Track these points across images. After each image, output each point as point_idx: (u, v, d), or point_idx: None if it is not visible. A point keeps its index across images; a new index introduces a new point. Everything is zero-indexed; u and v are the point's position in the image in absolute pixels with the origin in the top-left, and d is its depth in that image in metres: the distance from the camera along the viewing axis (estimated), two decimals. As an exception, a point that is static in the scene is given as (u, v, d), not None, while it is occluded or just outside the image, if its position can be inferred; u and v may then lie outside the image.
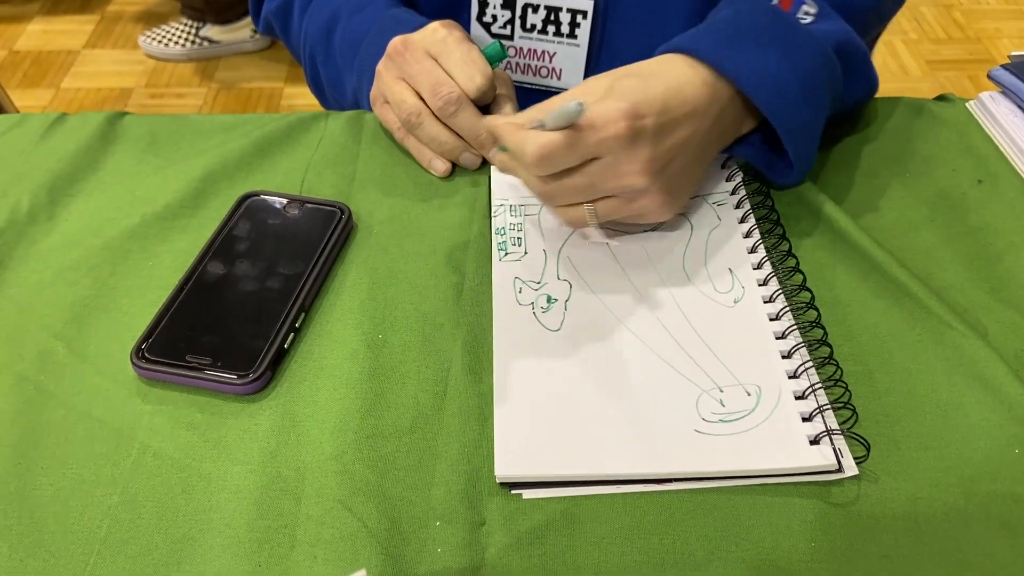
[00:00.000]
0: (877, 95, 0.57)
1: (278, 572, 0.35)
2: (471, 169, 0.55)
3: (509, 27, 0.64)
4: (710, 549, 0.35)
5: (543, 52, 0.65)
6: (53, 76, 1.98)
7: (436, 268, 0.48)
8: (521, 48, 0.65)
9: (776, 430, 0.39)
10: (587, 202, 0.46)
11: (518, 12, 0.63)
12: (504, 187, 0.53)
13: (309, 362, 0.43)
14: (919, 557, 0.35)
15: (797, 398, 0.40)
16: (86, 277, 0.47)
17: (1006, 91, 0.59)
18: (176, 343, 0.42)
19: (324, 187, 0.54)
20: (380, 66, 0.55)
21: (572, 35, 0.63)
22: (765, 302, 0.45)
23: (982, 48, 2.07)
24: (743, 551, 0.35)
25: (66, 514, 0.37)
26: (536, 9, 0.62)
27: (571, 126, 0.41)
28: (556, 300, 0.46)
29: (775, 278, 0.46)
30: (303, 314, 0.45)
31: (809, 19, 0.49)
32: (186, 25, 2.03)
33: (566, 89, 0.67)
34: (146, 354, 0.42)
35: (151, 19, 2.16)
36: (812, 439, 0.38)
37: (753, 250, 0.48)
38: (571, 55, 0.65)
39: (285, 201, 0.51)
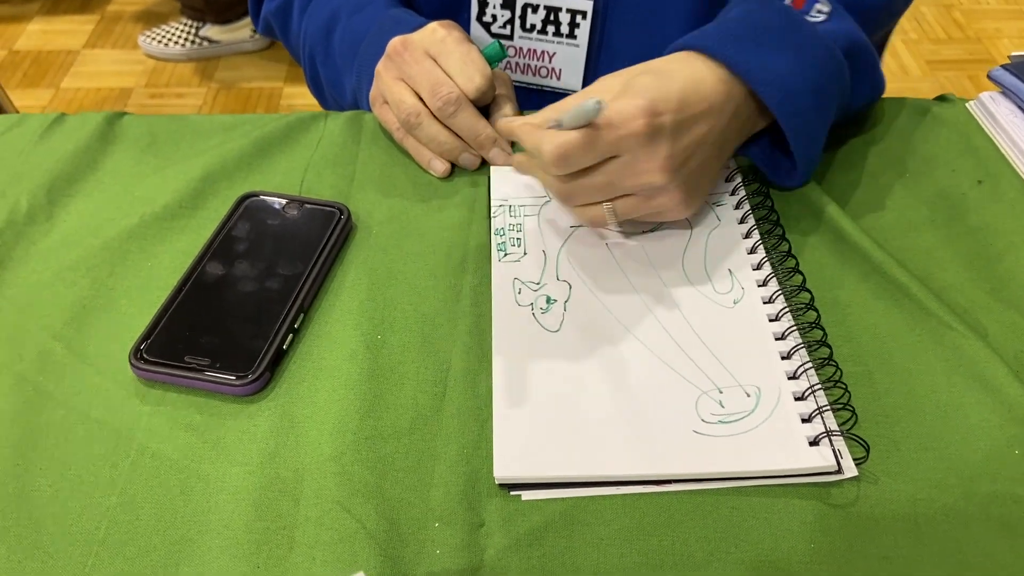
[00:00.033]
0: (877, 95, 0.57)
1: (276, 573, 0.35)
2: (470, 169, 0.55)
3: (509, 27, 0.64)
4: (709, 550, 0.35)
5: (543, 52, 0.65)
6: (53, 76, 1.98)
7: (435, 269, 0.48)
8: (521, 48, 0.65)
9: (775, 431, 0.39)
10: (605, 201, 0.46)
11: (518, 12, 0.63)
12: (503, 188, 0.53)
13: (308, 363, 0.43)
14: (919, 558, 0.35)
15: (796, 399, 0.40)
16: (85, 278, 0.47)
17: (1006, 91, 0.59)
18: (175, 344, 0.42)
19: (323, 187, 0.54)
20: (379, 66, 0.55)
21: (572, 35, 0.63)
22: (765, 303, 0.45)
23: (982, 48, 2.07)
24: (742, 552, 0.35)
25: (65, 515, 0.37)
26: (536, 9, 0.62)
27: (589, 125, 0.41)
28: (555, 301, 0.45)
29: (775, 279, 0.46)
30: (302, 315, 0.45)
31: (822, 17, 0.49)
32: (186, 25, 2.03)
33: (565, 89, 0.67)
34: (145, 355, 0.42)
35: (151, 19, 2.16)
36: (811, 440, 0.38)
37: (753, 251, 0.48)
38: (571, 55, 0.64)
39: (284, 201, 0.51)
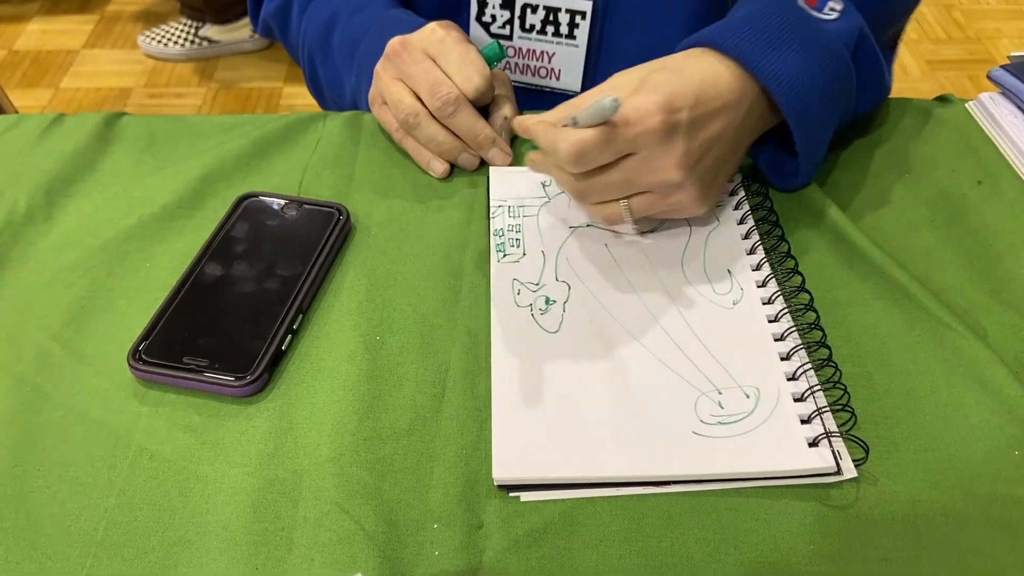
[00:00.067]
0: (877, 96, 0.57)
1: (275, 575, 0.35)
2: (469, 170, 0.55)
3: (508, 27, 0.64)
4: (709, 552, 0.35)
5: (542, 52, 0.65)
6: (52, 76, 1.98)
7: (434, 269, 0.48)
8: (520, 48, 0.65)
9: (775, 432, 0.39)
10: (621, 198, 0.45)
11: (517, 12, 0.63)
12: (502, 189, 0.53)
13: (307, 364, 0.43)
14: (918, 559, 0.35)
15: (796, 400, 0.40)
16: (83, 278, 0.47)
17: (1006, 92, 0.59)
18: (173, 345, 0.42)
19: (322, 188, 0.54)
20: (378, 67, 0.55)
21: (571, 35, 0.63)
22: (764, 303, 0.45)
23: (982, 48, 2.07)
24: (742, 553, 0.35)
25: (63, 516, 0.37)
26: (535, 9, 0.62)
27: (605, 122, 0.41)
28: (555, 302, 0.45)
29: (774, 279, 0.46)
30: (301, 316, 0.45)
31: (834, 15, 0.49)
32: (185, 25, 2.03)
33: (564, 90, 0.67)
34: (143, 356, 0.42)
35: (150, 19, 2.16)
36: (811, 441, 0.38)
37: (752, 251, 0.48)
38: (570, 55, 0.64)
39: (283, 202, 0.51)
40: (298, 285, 0.45)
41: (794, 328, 0.43)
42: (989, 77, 0.60)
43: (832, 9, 0.49)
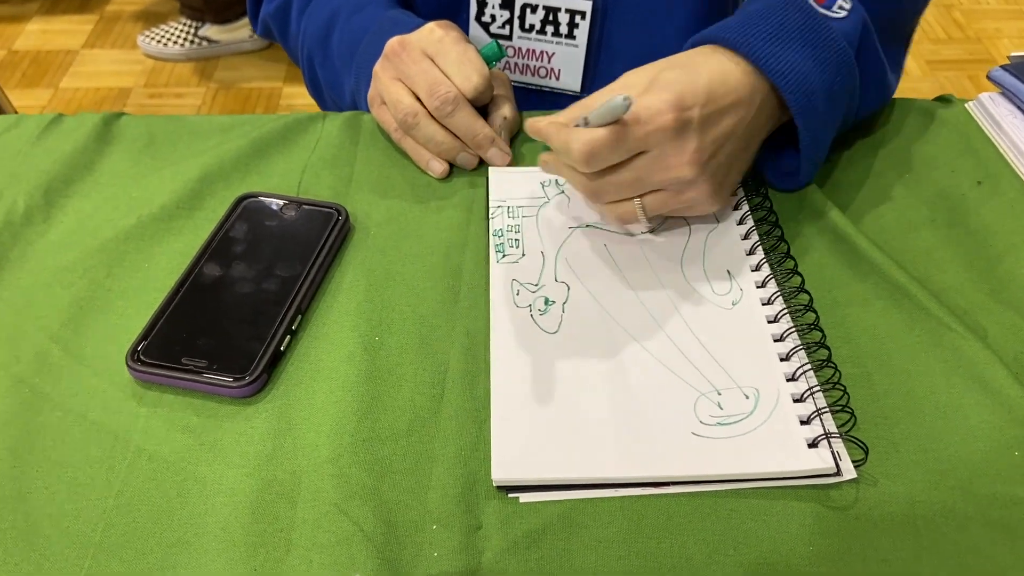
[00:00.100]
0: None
1: (274, 576, 0.35)
2: (468, 169, 0.55)
3: (508, 27, 0.64)
4: (708, 553, 0.35)
5: (542, 52, 0.65)
6: (52, 76, 1.98)
7: (433, 270, 0.48)
8: (520, 48, 0.65)
9: (774, 433, 0.39)
10: (635, 197, 0.45)
11: (516, 12, 0.63)
12: (502, 189, 0.53)
13: (305, 365, 0.43)
14: (918, 560, 0.35)
15: (795, 401, 0.40)
16: (82, 279, 0.47)
17: (1006, 92, 0.59)
18: (172, 345, 0.42)
19: (321, 188, 0.54)
20: (377, 67, 0.55)
21: (571, 35, 0.63)
22: (763, 304, 0.45)
23: (982, 48, 2.07)
24: (741, 555, 0.35)
25: (61, 517, 0.37)
26: (535, 9, 0.62)
27: (616, 121, 0.41)
28: (554, 302, 0.45)
29: (773, 280, 0.46)
30: (299, 316, 0.45)
31: (843, 13, 0.49)
32: (185, 25, 2.03)
33: (564, 90, 0.67)
34: (142, 356, 0.42)
35: (150, 19, 2.16)
36: (810, 442, 0.38)
37: (751, 251, 0.48)
38: (570, 55, 0.64)
39: (282, 202, 0.51)
40: (297, 285, 0.45)
41: (794, 329, 0.43)
42: (989, 77, 0.60)
43: (841, 7, 0.49)
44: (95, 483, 0.38)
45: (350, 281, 0.47)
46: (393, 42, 0.54)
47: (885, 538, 0.36)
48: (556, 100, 0.68)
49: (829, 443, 0.38)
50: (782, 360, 0.42)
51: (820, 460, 0.37)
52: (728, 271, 0.47)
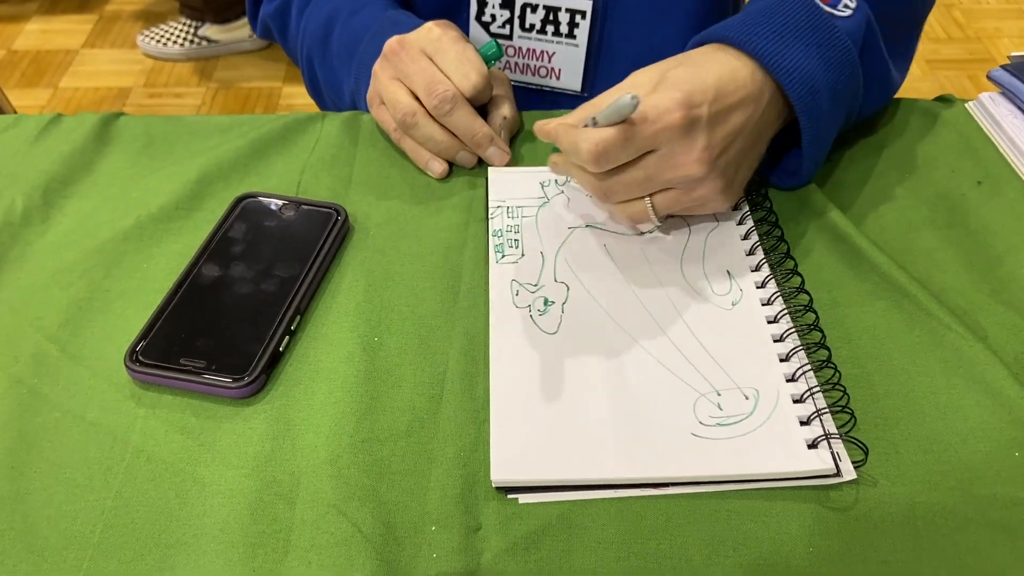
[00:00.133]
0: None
1: (272, 577, 0.35)
2: (467, 167, 0.55)
3: (508, 27, 0.64)
4: (707, 554, 0.35)
5: (542, 52, 0.65)
6: (51, 76, 1.98)
7: (433, 270, 0.48)
8: (520, 48, 0.65)
9: (774, 434, 0.39)
10: (645, 196, 0.45)
11: (517, 12, 0.63)
12: (501, 189, 0.53)
13: (304, 365, 0.43)
14: (918, 561, 0.35)
15: (795, 401, 0.40)
16: (80, 279, 0.47)
17: (1006, 92, 0.59)
18: (170, 346, 0.42)
19: (320, 189, 0.54)
20: (376, 67, 0.55)
21: (571, 35, 0.63)
22: (763, 304, 0.45)
23: (982, 48, 2.07)
24: (741, 556, 0.35)
25: (59, 518, 0.37)
26: (535, 9, 0.62)
27: (625, 121, 0.41)
28: (553, 303, 0.45)
29: (773, 280, 0.46)
30: (298, 317, 0.45)
31: (848, 12, 0.49)
32: (184, 24, 2.02)
33: (565, 89, 0.67)
34: (140, 357, 0.42)
35: (149, 18, 2.15)
36: (810, 443, 0.38)
37: (751, 252, 0.48)
38: (570, 55, 0.64)
39: (281, 203, 0.51)
40: (296, 286, 0.45)
41: (793, 329, 0.43)
42: (989, 77, 0.60)
43: (846, 6, 0.49)
44: (93, 484, 0.38)
45: (349, 281, 0.47)
46: (392, 42, 0.53)
47: (885, 539, 0.36)
48: (557, 100, 0.68)
49: (829, 444, 0.38)
50: (782, 361, 0.42)
51: (820, 461, 0.37)
52: (728, 271, 0.47)
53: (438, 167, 0.54)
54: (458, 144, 0.54)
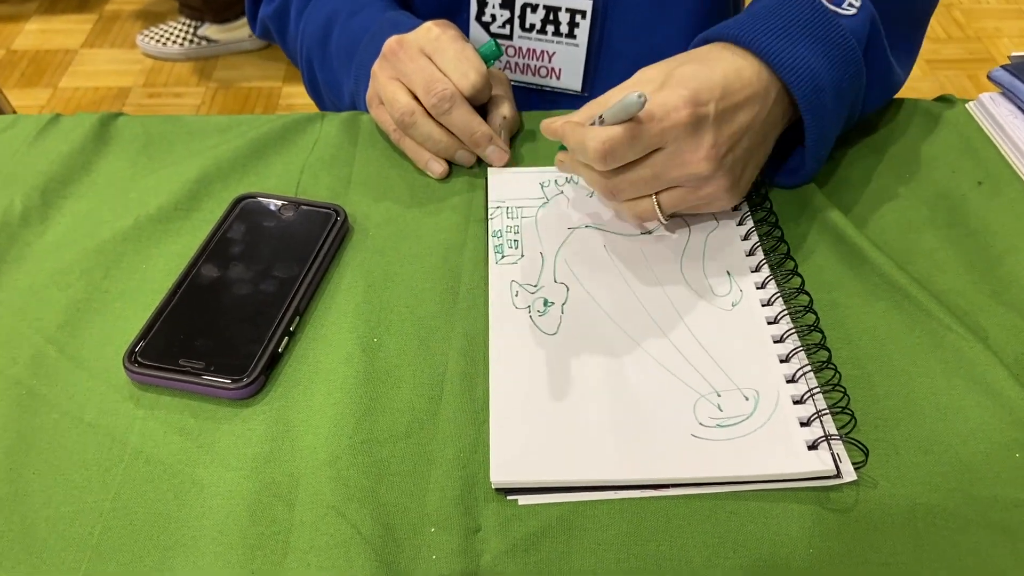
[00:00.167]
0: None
1: (271, 579, 0.35)
2: (467, 166, 0.55)
3: (508, 27, 0.64)
4: (707, 555, 0.35)
5: (542, 52, 0.65)
6: (51, 75, 1.98)
7: (432, 271, 0.48)
8: (520, 48, 0.65)
9: (774, 435, 0.39)
10: (652, 194, 0.45)
11: (517, 12, 0.63)
12: (501, 190, 0.53)
13: (303, 366, 0.43)
14: (918, 562, 0.35)
15: (795, 402, 0.40)
16: (79, 280, 0.47)
17: (1006, 92, 0.59)
18: (169, 347, 0.42)
19: (319, 189, 0.54)
20: (375, 67, 0.55)
21: (571, 35, 0.63)
22: (763, 305, 0.45)
23: (982, 47, 2.07)
24: (741, 557, 0.35)
25: (58, 519, 0.37)
26: (535, 9, 0.62)
27: (631, 119, 0.41)
28: (553, 304, 0.45)
29: (773, 281, 0.46)
30: (298, 317, 0.44)
31: (852, 11, 0.49)
32: (184, 24, 2.02)
33: (565, 89, 0.67)
34: (139, 358, 0.41)
35: (149, 18, 2.15)
36: (810, 444, 0.38)
37: (751, 252, 0.48)
38: (570, 55, 0.64)
39: (280, 203, 0.51)
40: (295, 287, 0.45)
41: (793, 330, 0.43)
42: (989, 77, 0.60)
43: (851, 5, 0.49)
44: (92, 485, 0.38)
45: (348, 282, 0.47)
46: (391, 41, 0.53)
47: (885, 540, 0.36)
48: (557, 100, 0.68)
49: (829, 445, 0.38)
50: (782, 361, 0.42)
51: (820, 462, 0.37)
52: (728, 272, 0.47)
53: (438, 168, 0.54)
54: (457, 143, 0.53)
